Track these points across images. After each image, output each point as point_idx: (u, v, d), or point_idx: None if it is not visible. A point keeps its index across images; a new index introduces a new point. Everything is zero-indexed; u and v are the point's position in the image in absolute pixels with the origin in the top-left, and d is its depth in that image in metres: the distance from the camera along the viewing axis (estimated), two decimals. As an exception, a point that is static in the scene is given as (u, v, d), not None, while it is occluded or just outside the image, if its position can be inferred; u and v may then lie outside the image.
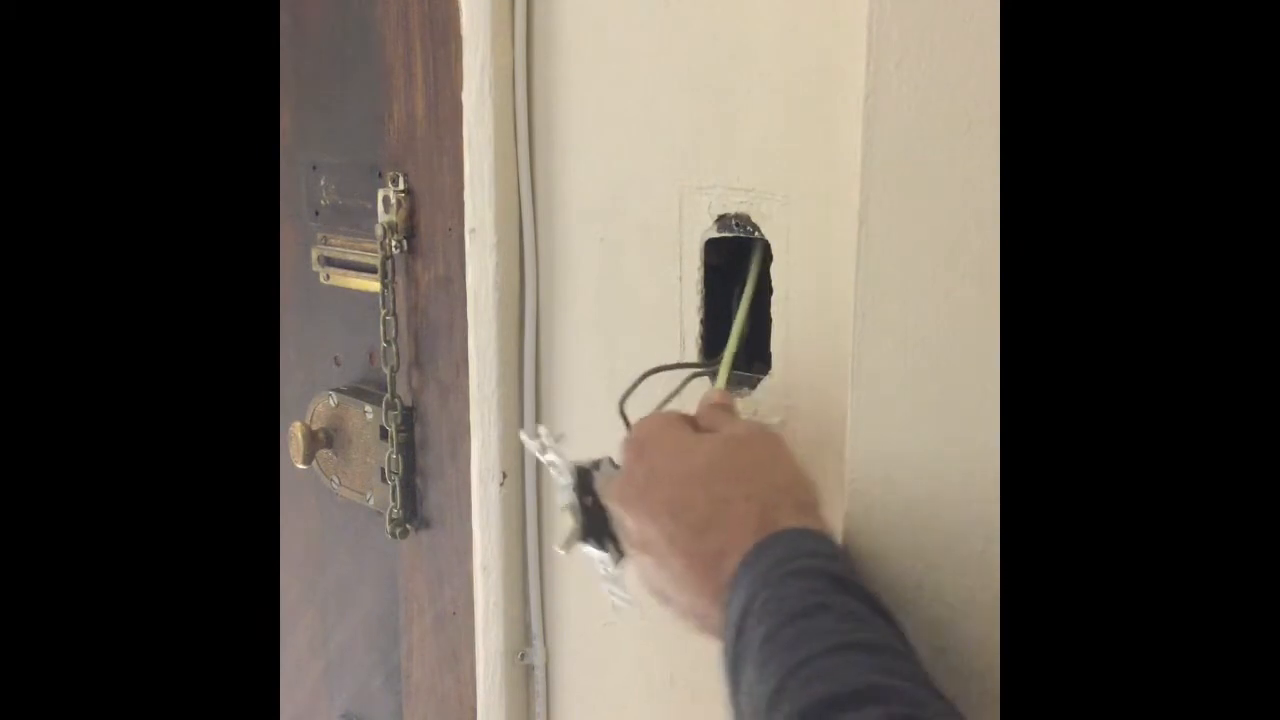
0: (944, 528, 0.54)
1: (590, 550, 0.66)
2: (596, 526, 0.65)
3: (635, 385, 0.70)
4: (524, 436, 0.69)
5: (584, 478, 0.66)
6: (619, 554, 0.65)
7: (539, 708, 0.92)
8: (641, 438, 0.60)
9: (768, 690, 0.45)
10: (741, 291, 0.71)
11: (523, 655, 0.91)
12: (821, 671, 0.44)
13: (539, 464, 0.87)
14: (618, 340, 0.80)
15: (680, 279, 0.74)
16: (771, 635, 0.47)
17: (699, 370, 0.73)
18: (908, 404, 0.54)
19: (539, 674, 0.91)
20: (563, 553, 0.66)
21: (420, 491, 1.02)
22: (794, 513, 0.54)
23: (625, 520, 0.59)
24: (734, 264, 0.73)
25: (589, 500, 0.65)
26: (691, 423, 0.62)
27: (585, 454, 0.67)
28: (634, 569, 0.59)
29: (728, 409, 0.64)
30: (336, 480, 1.12)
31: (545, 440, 0.66)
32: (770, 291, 0.69)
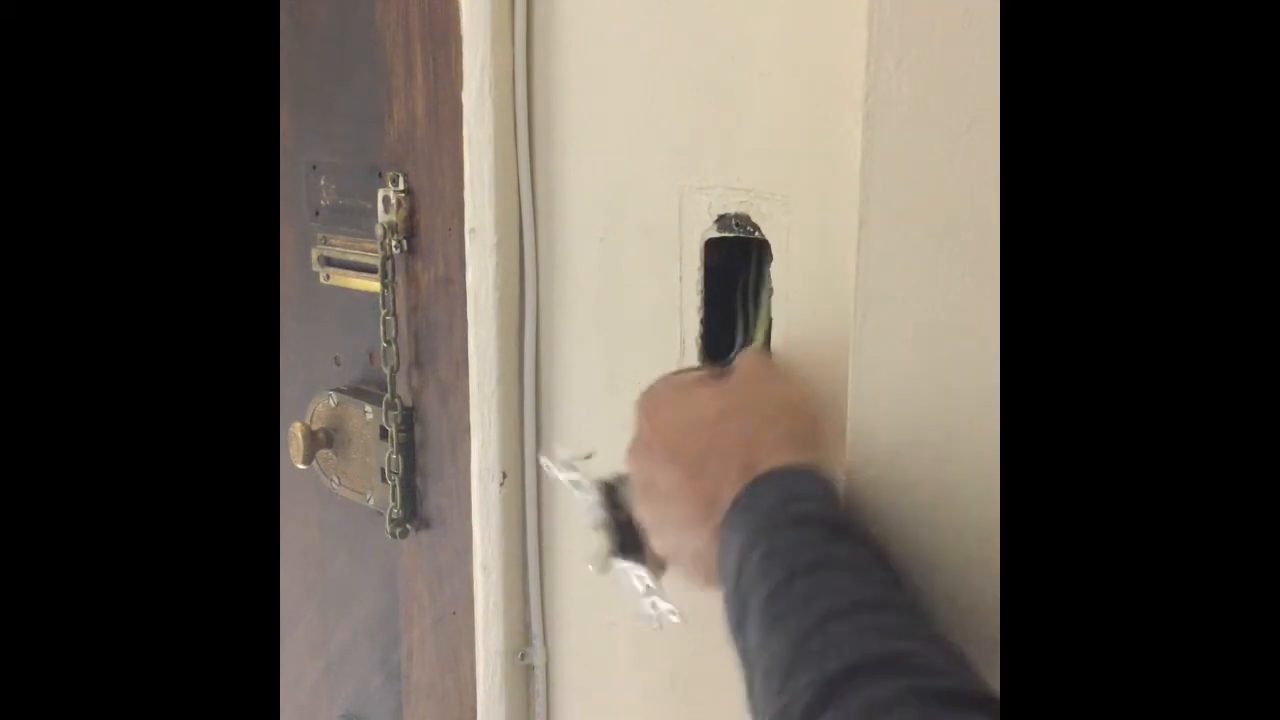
0: (944, 526, 0.54)
1: (626, 566, 0.65)
2: (630, 541, 0.65)
3: None
4: (544, 461, 0.69)
5: (611, 493, 0.65)
6: (655, 566, 0.64)
7: (539, 708, 0.92)
8: (647, 399, 0.62)
9: (782, 658, 0.45)
10: (744, 294, 0.71)
11: (523, 655, 0.91)
12: (836, 639, 0.44)
13: (539, 464, 0.87)
14: (618, 340, 0.80)
15: (680, 279, 0.74)
16: (775, 594, 0.47)
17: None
18: (908, 403, 0.54)
19: (539, 674, 0.91)
20: (598, 573, 0.65)
21: (420, 491, 1.02)
22: (784, 446, 0.54)
23: (634, 478, 0.60)
24: (734, 264, 0.73)
25: (620, 515, 0.65)
26: (711, 373, 0.62)
27: (591, 455, 0.67)
28: (648, 530, 0.60)
29: (761, 356, 0.64)
30: (336, 480, 1.12)
31: (570, 459, 0.66)
32: (770, 291, 0.69)
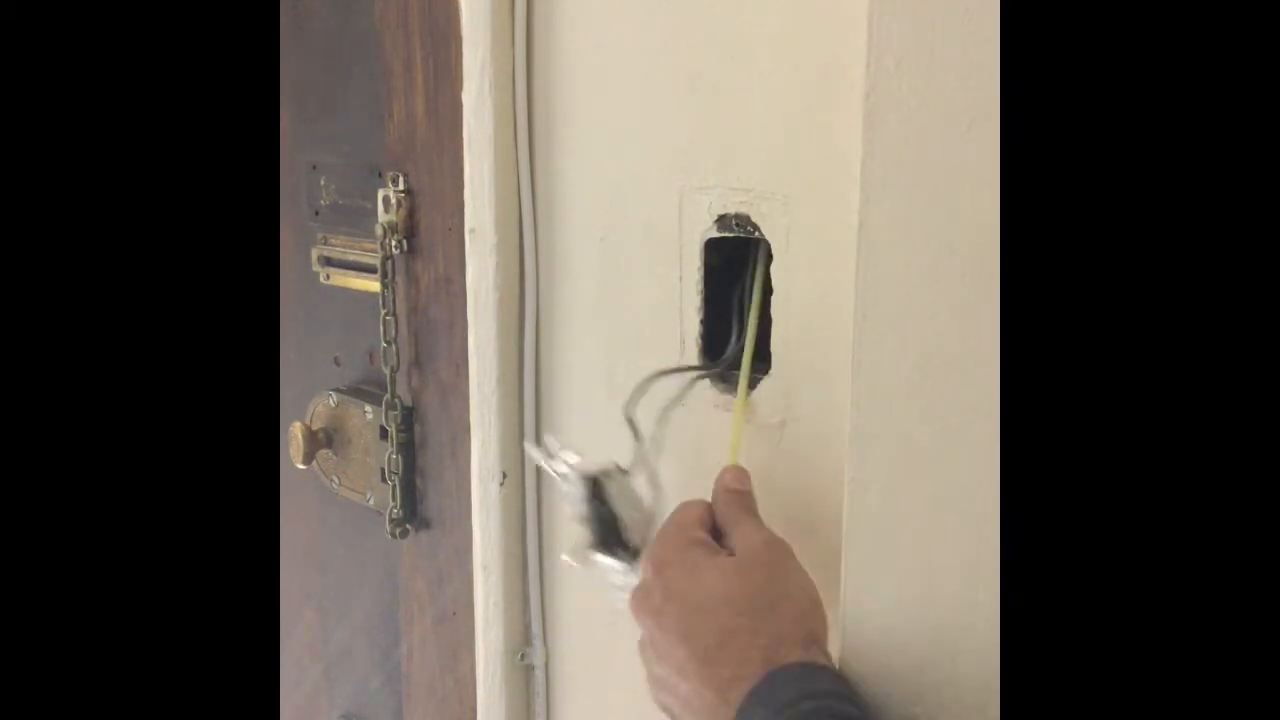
0: (944, 527, 0.54)
1: (603, 560, 0.65)
2: (609, 535, 0.65)
3: (640, 391, 0.69)
4: (529, 447, 0.69)
5: (595, 486, 0.65)
6: (633, 561, 0.65)
7: (539, 708, 0.92)
8: (659, 557, 0.61)
9: None
10: (743, 294, 0.71)
11: (523, 655, 0.91)
12: None
13: (539, 464, 0.87)
14: (618, 340, 0.80)
15: (680, 279, 0.74)
16: None
17: (704, 373, 0.73)
18: (908, 404, 0.54)
19: (539, 674, 0.91)
20: (576, 564, 0.65)
21: (420, 491, 1.02)
22: (800, 646, 0.54)
23: (642, 627, 0.60)
24: (734, 264, 0.72)
25: (603, 510, 0.65)
26: (709, 520, 0.62)
27: (587, 455, 0.67)
28: (648, 685, 0.60)
29: (744, 498, 0.64)
30: (336, 480, 1.12)
31: (553, 448, 0.66)
32: (770, 291, 0.69)
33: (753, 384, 0.70)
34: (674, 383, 0.72)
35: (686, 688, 0.56)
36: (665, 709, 0.59)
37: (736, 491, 0.64)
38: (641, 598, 0.61)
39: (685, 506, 0.64)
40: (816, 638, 0.57)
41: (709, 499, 0.65)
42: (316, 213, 1.10)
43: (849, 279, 0.55)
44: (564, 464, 0.66)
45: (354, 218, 1.05)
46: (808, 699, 0.51)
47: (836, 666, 0.56)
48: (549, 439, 0.66)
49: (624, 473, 0.67)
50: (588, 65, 0.79)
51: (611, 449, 0.68)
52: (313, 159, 1.10)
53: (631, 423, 0.68)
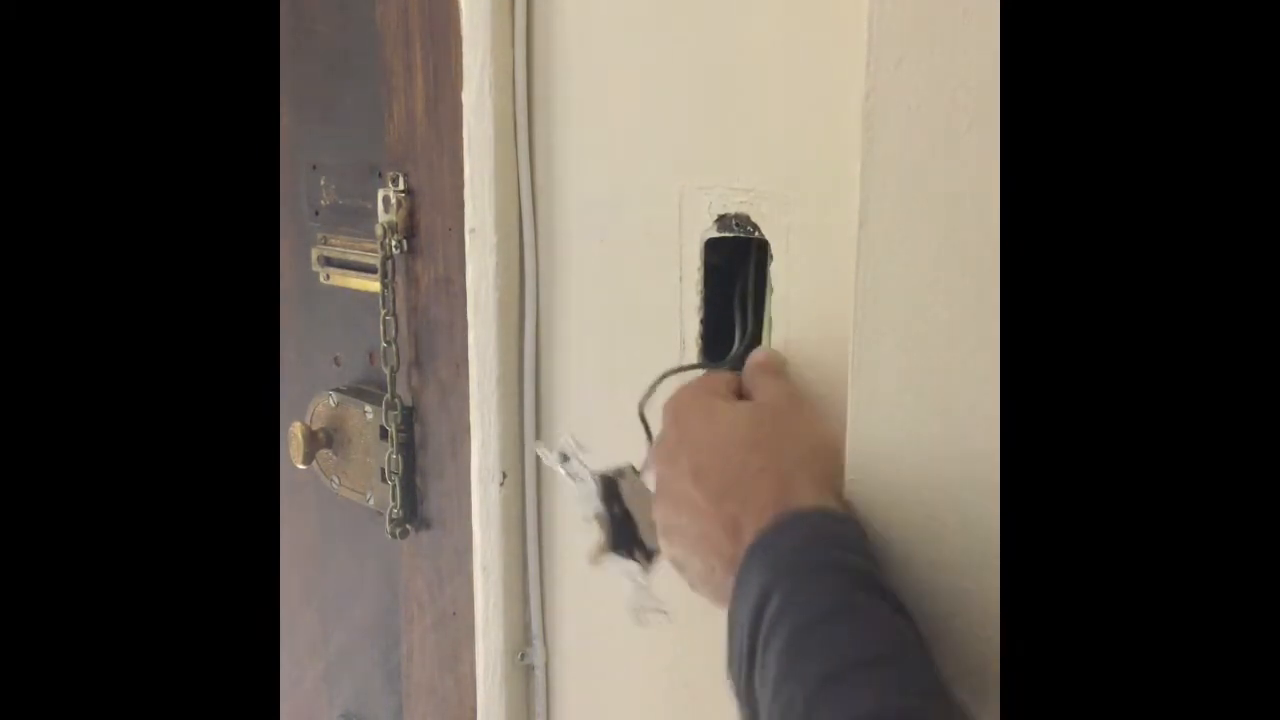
0: (943, 527, 0.54)
1: (619, 560, 0.65)
2: (624, 536, 0.65)
3: (653, 388, 0.69)
4: (539, 449, 0.69)
5: (609, 486, 0.65)
6: (649, 562, 0.64)
7: (539, 708, 0.92)
8: (676, 402, 0.61)
9: (800, 697, 0.45)
10: (744, 294, 0.71)
11: (523, 655, 0.91)
12: (852, 690, 0.45)
13: (539, 464, 0.87)
14: (618, 340, 0.80)
15: (680, 279, 0.74)
16: (797, 635, 0.47)
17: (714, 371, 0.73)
18: (908, 403, 0.54)
19: (539, 674, 0.91)
20: (593, 565, 0.65)
21: (420, 491, 1.02)
22: (812, 487, 0.54)
23: (655, 475, 0.60)
24: (734, 264, 0.73)
25: (616, 509, 0.65)
26: (735, 385, 0.62)
27: (595, 454, 0.67)
28: (659, 532, 0.60)
29: (773, 370, 0.64)
30: (336, 480, 1.12)
31: (568, 449, 0.66)
32: (770, 291, 0.69)
33: (753, 384, 0.70)
34: (678, 383, 0.72)
35: (696, 528, 0.55)
36: (675, 561, 0.58)
37: (770, 358, 0.64)
38: (658, 445, 0.60)
39: (712, 372, 0.64)
40: (832, 484, 0.55)
41: None
42: (316, 213, 1.10)
43: (849, 279, 0.55)
44: (579, 464, 0.65)
45: (354, 218, 1.05)
46: (817, 545, 0.50)
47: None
48: (568, 439, 0.66)
49: (638, 473, 0.67)
50: (588, 65, 0.79)
51: (611, 448, 0.68)
52: (313, 159, 1.10)
53: (644, 421, 0.68)
